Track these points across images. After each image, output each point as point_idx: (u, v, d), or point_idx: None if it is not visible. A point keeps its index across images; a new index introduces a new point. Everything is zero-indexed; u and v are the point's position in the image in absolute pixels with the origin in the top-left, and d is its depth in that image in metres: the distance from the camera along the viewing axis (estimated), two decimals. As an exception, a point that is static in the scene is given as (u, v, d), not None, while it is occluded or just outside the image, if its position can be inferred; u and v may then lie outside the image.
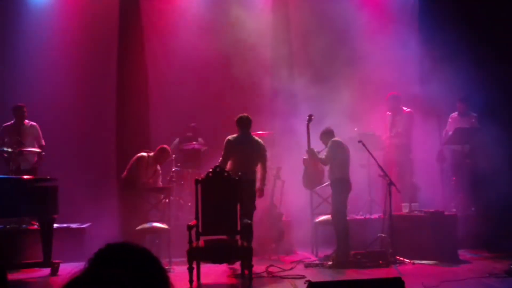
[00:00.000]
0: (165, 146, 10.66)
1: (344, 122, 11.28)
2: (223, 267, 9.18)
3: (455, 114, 11.82)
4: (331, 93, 11.90)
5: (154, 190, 10.68)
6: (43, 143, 11.11)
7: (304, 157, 10.36)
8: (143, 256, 1.81)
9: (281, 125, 12.02)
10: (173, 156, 11.50)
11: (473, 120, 11.63)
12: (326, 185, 10.32)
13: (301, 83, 12.66)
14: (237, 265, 8.71)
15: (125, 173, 10.54)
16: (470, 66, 11.36)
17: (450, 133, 11.50)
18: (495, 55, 11.91)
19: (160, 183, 10.81)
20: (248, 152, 9.52)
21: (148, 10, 12.94)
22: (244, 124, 9.63)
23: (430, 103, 11.73)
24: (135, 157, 10.51)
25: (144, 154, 10.53)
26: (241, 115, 9.71)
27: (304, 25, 13.26)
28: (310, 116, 10.19)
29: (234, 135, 9.62)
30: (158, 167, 10.73)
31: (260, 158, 9.66)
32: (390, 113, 11.82)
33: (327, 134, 10.02)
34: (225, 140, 9.55)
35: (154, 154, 10.57)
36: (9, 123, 11.02)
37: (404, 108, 11.72)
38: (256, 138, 9.80)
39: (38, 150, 10.90)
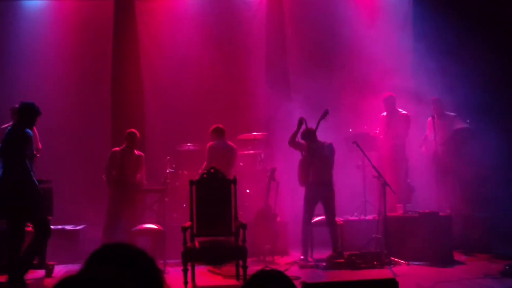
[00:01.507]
0: (131, 129, 10.62)
1: (339, 122, 11.32)
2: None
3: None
4: (326, 94, 11.94)
5: (149, 191, 10.70)
6: (40, 146, 11.06)
7: None
8: (138, 256, 1.81)
9: (276, 126, 12.02)
10: (168, 157, 11.50)
11: (455, 119, 11.61)
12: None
13: (296, 83, 12.71)
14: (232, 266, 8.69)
15: (104, 173, 10.53)
16: (466, 65, 11.39)
17: (431, 137, 11.53)
18: (491, 53, 11.87)
19: (144, 171, 10.74)
20: (226, 156, 10.82)
21: (142, 11, 12.93)
22: (221, 133, 11.01)
23: (425, 103, 11.76)
24: (108, 155, 10.51)
25: (116, 148, 10.52)
26: (216, 125, 11.02)
27: (298, 24, 13.29)
28: (326, 111, 10.12)
29: (214, 142, 10.87)
30: (137, 153, 10.65)
31: (233, 160, 11.05)
32: (385, 114, 11.82)
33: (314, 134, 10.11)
34: (208, 146, 10.83)
35: (125, 143, 10.52)
36: (7, 125, 10.98)
37: (400, 110, 11.71)
38: (230, 143, 11.12)
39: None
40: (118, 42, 12.60)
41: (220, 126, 11.02)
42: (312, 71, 12.57)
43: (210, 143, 10.83)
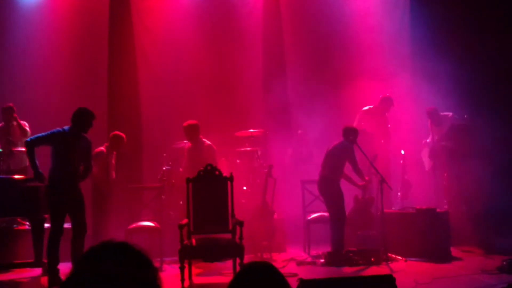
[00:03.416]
0: (117, 132, 10.52)
1: (335, 119, 11.30)
2: (215, 265, 9.15)
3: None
4: (324, 89, 11.94)
5: (145, 189, 10.69)
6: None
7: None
8: (134, 254, 1.79)
9: (273, 123, 12.01)
10: (164, 154, 11.47)
11: (453, 119, 11.58)
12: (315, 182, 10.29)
13: (294, 79, 12.70)
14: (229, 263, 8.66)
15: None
16: (462, 61, 11.39)
17: (428, 140, 11.56)
18: (489, 47, 11.85)
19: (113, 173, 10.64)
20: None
21: (138, 7, 12.88)
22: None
23: (422, 100, 11.74)
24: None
25: (102, 148, 10.37)
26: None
27: (295, 19, 13.27)
28: (375, 155, 10.16)
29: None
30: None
31: None
32: (374, 111, 11.75)
33: None
34: (212, 146, 10.54)
35: (109, 143, 10.41)
36: (1, 124, 10.96)
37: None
38: None
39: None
40: (114, 38, 12.54)
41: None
42: (309, 66, 12.59)
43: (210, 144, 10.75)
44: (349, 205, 10.29)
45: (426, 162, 11.85)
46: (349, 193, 10.50)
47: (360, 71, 12.43)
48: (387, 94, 11.68)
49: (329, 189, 9.90)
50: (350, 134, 9.92)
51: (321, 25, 12.98)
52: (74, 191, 8.51)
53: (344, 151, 9.87)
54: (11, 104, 10.88)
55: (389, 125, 11.78)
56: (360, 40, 12.82)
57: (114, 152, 10.48)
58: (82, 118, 8.55)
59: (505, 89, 11.91)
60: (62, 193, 8.33)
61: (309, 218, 10.63)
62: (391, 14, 13.25)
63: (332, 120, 11.48)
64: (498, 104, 11.66)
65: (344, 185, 10.01)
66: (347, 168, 9.98)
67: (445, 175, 11.54)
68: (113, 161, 10.48)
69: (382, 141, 11.58)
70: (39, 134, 8.43)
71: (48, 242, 8.35)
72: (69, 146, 8.40)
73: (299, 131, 12.04)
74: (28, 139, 8.48)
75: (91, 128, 8.66)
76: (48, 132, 8.43)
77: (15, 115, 10.86)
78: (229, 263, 8.37)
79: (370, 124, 11.61)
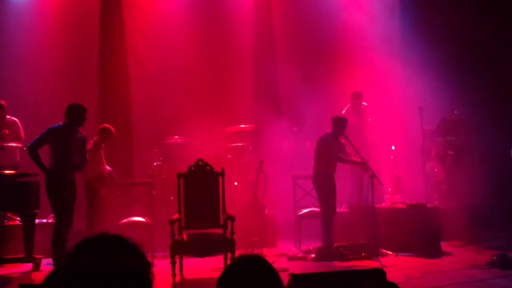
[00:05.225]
0: (106, 125, 10.45)
1: (326, 113, 11.31)
2: (207, 260, 9.14)
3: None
4: (314, 84, 11.93)
5: (136, 184, 10.67)
6: (23, 135, 10.91)
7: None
8: (124, 246, 1.79)
9: (264, 118, 12.01)
10: (155, 150, 11.46)
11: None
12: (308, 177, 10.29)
13: (284, 74, 12.70)
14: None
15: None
16: (454, 56, 11.41)
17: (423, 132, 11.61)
18: (482, 35, 11.88)
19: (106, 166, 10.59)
20: None
21: (128, 3, 12.84)
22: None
23: (412, 96, 11.77)
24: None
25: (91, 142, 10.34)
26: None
27: (286, 14, 13.29)
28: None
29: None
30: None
31: None
32: (351, 110, 11.74)
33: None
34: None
35: (98, 136, 10.34)
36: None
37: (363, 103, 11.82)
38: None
39: (19, 145, 10.77)
40: (104, 34, 12.52)
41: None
42: (299, 61, 12.60)
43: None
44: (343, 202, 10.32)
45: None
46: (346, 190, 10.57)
47: (352, 66, 12.43)
48: (356, 90, 11.69)
49: (319, 185, 9.94)
50: (333, 123, 9.94)
51: (312, 20, 13.00)
52: (71, 183, 8.82)
53: (321, 142, 9.92)
54: (1, 102, 10.81)
55: (369, 119, 11.80)
56: (351, 34, 12.83)
57: (103, 145, 10.44)
58: (76, 114, 8.85)
59: (498, 82, 11.94)
60: (63, 183, 8.66)
61: (300, 213, 10.63)
62: (382, 9, 13.28)
63: (324, 115, 11.47)
64: (490, 98, 11.70)
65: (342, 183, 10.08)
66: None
67: (436, 170, 11.58)
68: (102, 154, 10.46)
69: (368, 136, 11.60)
70: (38, 137, 8.64)
71: (54, 235, 8.68)
72: (66, 141, 8.67)
73: (295, 128, 12.03)
74: (29, 145, 8.69)
75: (85, 121, 8.93)
76: (45, 131, 8.68)
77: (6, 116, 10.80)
78: (220, 258, 8.37)
79: (353, 122, 11.64)
